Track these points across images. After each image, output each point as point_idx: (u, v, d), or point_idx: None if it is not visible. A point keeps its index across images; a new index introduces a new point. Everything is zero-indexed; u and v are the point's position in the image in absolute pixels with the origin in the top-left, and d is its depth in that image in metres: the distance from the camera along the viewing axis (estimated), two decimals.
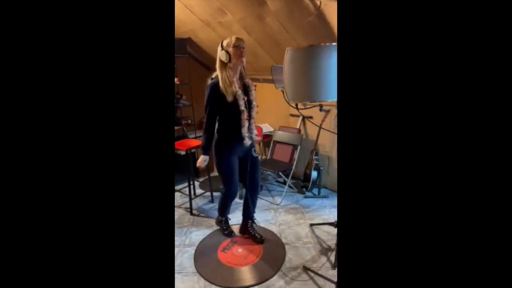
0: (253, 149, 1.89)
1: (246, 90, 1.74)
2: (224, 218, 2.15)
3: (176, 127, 3.11)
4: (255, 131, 1.83)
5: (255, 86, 1.89)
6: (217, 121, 1.78)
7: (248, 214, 2.08)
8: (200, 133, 3.53)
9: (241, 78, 1.75)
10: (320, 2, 1.79)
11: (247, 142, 1.74)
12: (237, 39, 1.63)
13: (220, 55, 1.64)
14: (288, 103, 1.39)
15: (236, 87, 1.66)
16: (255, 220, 2.16)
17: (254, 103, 1.76)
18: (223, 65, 1.65)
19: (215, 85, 1.66)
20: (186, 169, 2.66)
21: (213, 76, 1.71)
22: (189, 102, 3.24)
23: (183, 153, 2.53)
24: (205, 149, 1.81)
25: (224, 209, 2.10)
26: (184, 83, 3.15)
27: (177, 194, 2.86)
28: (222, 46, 1.65)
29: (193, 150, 2.63)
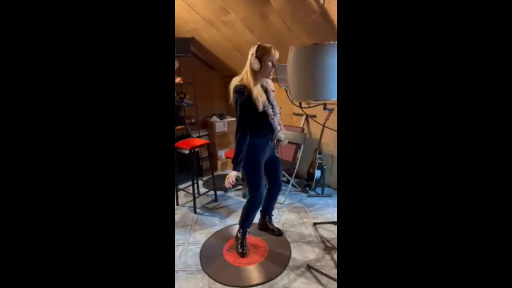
0: (275, 150, 1.92)
1: (266, 93, 1.70)
2: (242, 231, 1.98)
3: (179, 126, 3.12)
4: (278, 128, 1.78)
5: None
6: None
7: (267, 210, 2.15)
8: (203, 132, 3.55)
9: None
10: (324, 0, 1.78)
11: (274, 143, 1.82)
12: (276, 52, 1.56)
13: (253, 61, 1.53)
14: (292, 102, 1.39)
15: (264, 96, 1.64)
16: (272, 216, 2.22)
17: (276, 106, 1.74)
18: (254, 73, 1.57)
19: (247, 91, 1.57)
20: (189, 168, 2.67)
21: (238, 80, 1.61)
22: (193, 102, 3.24)
23: (186, 152, 2.53)
24: (236, 163, 1.66)
25: (246, 219, 1.93)
26: (188, 83, 3.16)
27: (181, 193, 2.87)
28: (256, 52, 1.53)
29: (196, 149, 2.64)
